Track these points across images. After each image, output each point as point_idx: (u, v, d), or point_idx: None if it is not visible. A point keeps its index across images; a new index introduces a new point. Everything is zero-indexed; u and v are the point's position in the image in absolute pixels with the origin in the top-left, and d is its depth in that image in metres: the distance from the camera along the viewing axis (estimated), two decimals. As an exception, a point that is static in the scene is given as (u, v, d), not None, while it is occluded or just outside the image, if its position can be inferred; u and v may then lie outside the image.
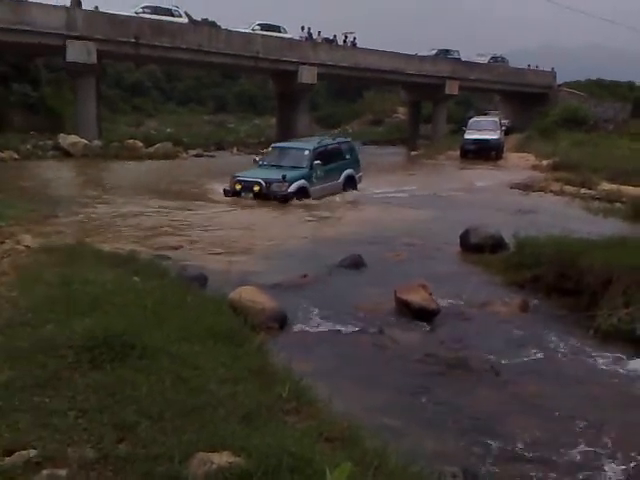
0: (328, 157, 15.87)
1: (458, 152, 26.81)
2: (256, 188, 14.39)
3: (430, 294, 7.21)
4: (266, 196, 14.30)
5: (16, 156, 23.74)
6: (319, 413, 4.06)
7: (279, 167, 15.02)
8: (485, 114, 37.29)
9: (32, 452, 2.96)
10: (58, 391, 3.58)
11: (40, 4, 28.30)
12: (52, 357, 3.92)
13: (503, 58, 49.22)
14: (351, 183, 16.69)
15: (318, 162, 15.13)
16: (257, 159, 16.35)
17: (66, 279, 5.46)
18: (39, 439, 3.08)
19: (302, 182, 14.80)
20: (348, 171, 16.59)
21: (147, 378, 3.83)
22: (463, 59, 45.10)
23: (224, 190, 14.91)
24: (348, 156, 16.83)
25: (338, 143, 17.25)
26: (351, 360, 5.84)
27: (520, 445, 4.54)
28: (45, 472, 2.81)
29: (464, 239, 10.00)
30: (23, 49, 29.97)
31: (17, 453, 2.92)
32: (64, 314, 4.61)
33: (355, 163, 17.08)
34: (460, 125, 30.82)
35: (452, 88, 41.91)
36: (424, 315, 6.92)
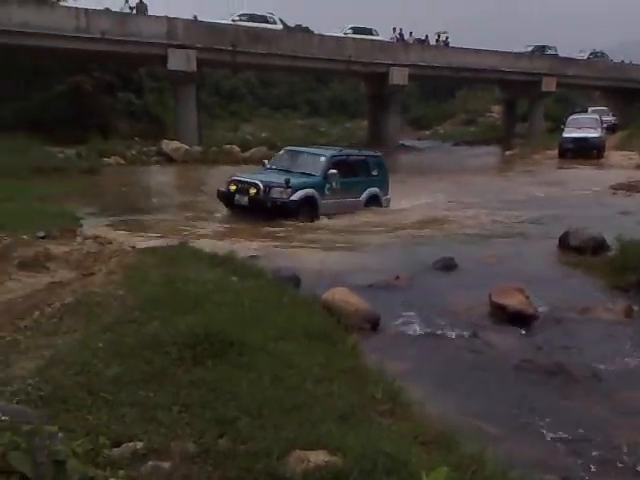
0: (349, 169, 13.63)
1: (556, 151, 25.86)
2: (252, 191, 12.24)
3: (527, 297, 7.02)
4: (262, 203, 12.12)
5: (122, 161, 24.95)
6: (413, 416, 4.06)
7: (288, 172, 12.87)
8: (586, 111, 35.79)
9: (138, 444, 3.09)
10: (162, 386, 3.74)
11: (143, 15, 29.69)
12: (157, 353, 4.10)
13: (603, 53, 47.35)
14: (375, 204, 14.11)
15: (334, 172, 12.87)
16: (266, 162, 14.32)
17: (169, 278, 5.70)
18: (145, 432, 3.21)
19: (310, 192, 12.57)
20: (373, 189, 14.04)
21: (246, 375, 3.95)
22: (561, 55, 43.69)
23: (218, 191, 13.10)
24: (375, 173, 14.31)
25: (365, 156, 14.81)
26: (444, 363, 5.77)
27: (622, 456, 4.34)
28: (150, 463, 2.92)
29: (563, 241, 9.67)
30: (128, 59, 31.47)
31: (125, 445, 3.06)
32: (168, 312, 4.82)
33: (382, 183, 14.43)
34: (558, 123, 29.72)
35: (549, 85, 40.61)
36: (521, 319, 6.73)
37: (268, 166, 13.81)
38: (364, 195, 13.83)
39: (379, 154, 15.43)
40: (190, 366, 4.01)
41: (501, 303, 6.89)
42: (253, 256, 8.71)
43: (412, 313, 6.89)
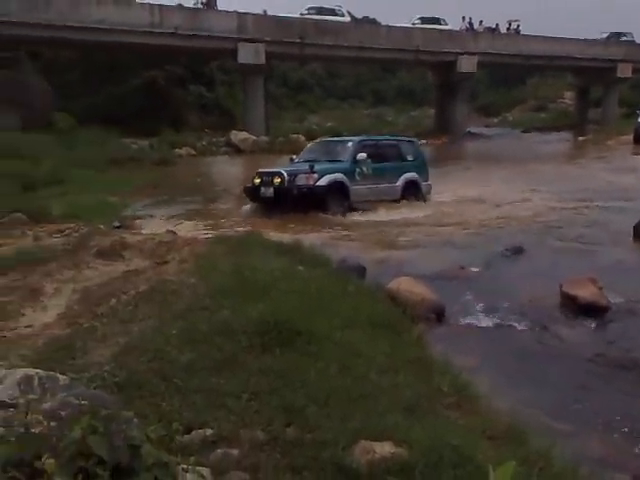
0: (381, 154, 13.18)
1: (631, 137, 24.87)
2: (277, 180, 11.79)
3: (600, 288, 6.80)
4: (288, 192, 11.56)
5: (193, 152, 25.61)
6: (480, 409, 4.02)
7: (315, 162, 12.35)
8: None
9: (208, 431, 3.13)
10: (233, 373, 3.79)
11: (214, 10, 30.20)
12: (228, 341, 4.16)
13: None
14: (413, 190, 13.52)
15: (364, 155, 12.42)
16: (294, 157, 13.85)
17: (238, 267, 5.82)
18: (215, 419, 3.27)
19: (339, 176, 12.02)
20: (409, 174, 13.47)
21: (314, 363, 3.97)
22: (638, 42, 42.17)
23: (244, 188, 12.82)
24: (410, 158, 13.85)
25: (397, 140, 14.57)
26: (512, 356, 5.67)
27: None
28: (219, 451, 2.97)
29: (638, 229, 9.31)
30: (200, 53, 32.13)
31: (195, 431, 3.11)
32: (238, 300, 4.91)
33: (421, 168, 13.93)
34: (634, 109, 28.57)
35: (625, 71, 39.30)
36: (593, 311, 6.53)
37: (296, 160, 13.44)
38: (400, 180, 13.28)
39: (414, 139, 15.34)
40: (259, 354, 4.07)
41: (572, 294, 6.70)
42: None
43: (479, 303, 6.79)
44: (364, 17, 55.09)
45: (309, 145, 14.33)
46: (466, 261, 8.39)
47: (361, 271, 7.54)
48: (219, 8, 31.12)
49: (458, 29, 37.63)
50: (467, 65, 35.01)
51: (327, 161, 12.52)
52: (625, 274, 7.88)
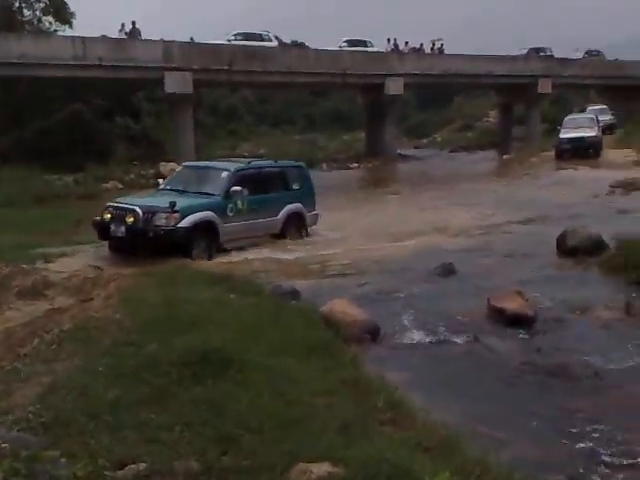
0: (262, 184, 11.47)
1: (553, 153, 25.88)
2: (129, 219, 9.88)
3: (526, 300, 7.03)
4: (143, 234, 9.77)
5: (120, 186, 25.07)
6: (416, 423, 4.08)
7: (182, 193, 10.79)
8: (585, 110, 35.81)
9: (142, 465, 3.09)
10: (163, 406, 3.77)
11: (139, 40, 30.00)
12: (157, 374, 4.13)
13: (599, 52, 47.35)
14: (296, 223, 11.91)
15: (239, 189, 10.69)
16: (160, 182, 12.20)
17: (167, 299, 5.74)
18: (147, 453, 3.23)
19: (207, 215, 10.28)
20: (293, 206, 11.83)
21: (246, 391, 3.98)
22: (557, 56, 43.85)
23: (93, 222, 10.81)
24: (296, 186, 12.22)
25: (281, 167, 12.59)
26: (446, 370, 5.78)
27: (629, 453, 4.34)
28: None
29: (561, 242, 9.66)
30: (125, 84, 31.76)
31: (128, 467, 3.06)
32: (166, 333, 4.85)
33: (307, 196, 12.32)
34: (555, 125, 29.78)
35: (545, 87, 40.67)
36: (520, 322, 6.74)
37: (162, 186, 11.77)
38: (282, 213, 11.65)
39: (301, 164, 13.36)
40: (190, 385, 4.05)
41: (500, 307, 6.90)
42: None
43: (412, 321, 6.89)
44: (292, 41, 55.70)
45: (177, 170, 12.39)
46: (399, 279, 8.55)
47: (295, 295, 7.56)
48: (144, 37, 30.86)
49: (384, 50, 38.33)
50: (394, 87, 35.68)
51: (194, 193, 10.80)
52: (549, 284, 8.19)
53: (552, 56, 43.88)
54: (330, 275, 9.13)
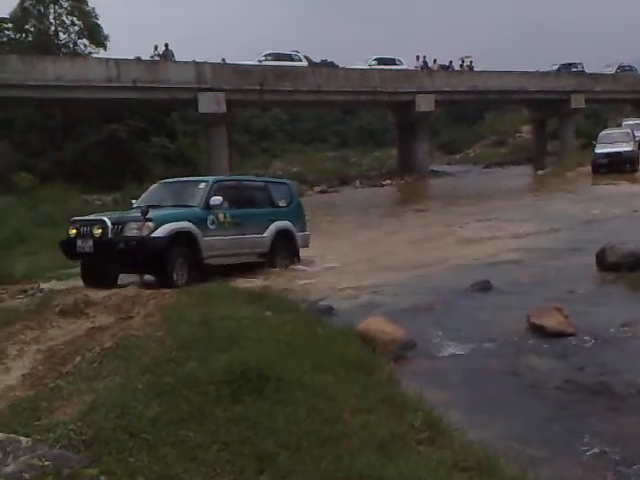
0: (243, 197, 10.80)
1: (589, 168, 25.55)
2: (97, 231, 8.98)
3: (566, 317, 6.92)
4: (112, 247, 8.87)
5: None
6: (453, 442, 4.03)
7: (158, 207, 9.83)
8: (620, 125, 35.32)
9: None
10: (202, 425, 3.79)
11: (173, 61, 30.57)
12: (195, 392, 4.15)
13: (631, 67, 47.06)
14: (286, 243, 11.17)
15: (220, 199, 9.83)
16: (134, 201, 11.25)
17: (205, 317, 5.80)
18: (185, 471, 3.26)
19: (185, 225, 9.36)
20: (282, 223, 11.10)
21: (283, 409, 3.98)
22: (588, 71, 43.61)
23: (59, 242, 9.86)
24: (283, 203, 11.54)
25: (264, 182, 12.05)
26: (485, 387, 5.70)
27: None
28: None
29: (601, 258, 9.49)
30: (159, 104, 32.35)
31: None
32: (205, 350, 4.90)
33: (296, 215, 11.65)
34: (590, 139, 29.42)
35: (578, 102, 40.45)
36: (561, 339, 6.62)
37: (135, 204, 10.78)
38: (269, 231, 10.86)
39: (287, 181, 12.68)
40: (228, 404, 4.06)
41: (539, 324, 6.80)
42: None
43: (450, 338, 6.83)
44: (322, 61, 56.29)
45: (153, 186, 11.37)
46: (437, 295, 8.51)
47: (331, 312, 7.57)
48: (177, 59, 31.44)
49: (413, 68, 38.50)
50: (425, 104, 35.79)
51: (171, 206, 10.02)
52: (590, 301, 8.04)
53: (583, 71, 43.70)
54: (367, 289, 9.12)
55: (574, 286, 8.78)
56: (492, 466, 3.64)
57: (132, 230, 8.88)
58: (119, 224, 9.00)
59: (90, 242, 8.99)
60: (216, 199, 9.79)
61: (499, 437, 4.50)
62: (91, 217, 9.67)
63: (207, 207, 9.80)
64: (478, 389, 5.67)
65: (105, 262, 9.08)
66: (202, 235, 9.49)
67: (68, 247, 9.45)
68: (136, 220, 8.93)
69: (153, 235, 8.82)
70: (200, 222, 9.58)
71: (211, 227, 9.77)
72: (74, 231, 9.31)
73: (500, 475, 3.56)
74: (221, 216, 9.95)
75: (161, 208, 9.74)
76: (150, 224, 8.83)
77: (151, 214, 8.91)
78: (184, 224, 9.32)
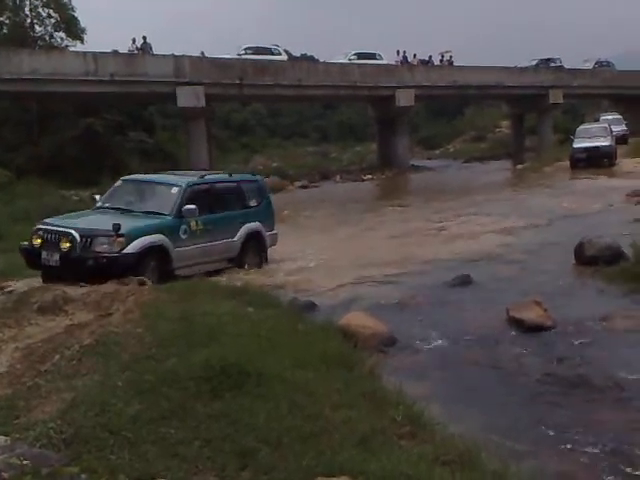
0: (216, 201, 10.08)
1: (567, 163, 25.77)
2: (65, 245, 8.31)
3: (545, 310, 6.99)
4: (81, 263, 8.19)
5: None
6: (435, 436, 4.06)
7: (126, 212, 9.24)
8: (598, 120, 35.68)
9: None
10: (183, 422, 3.78)
11: (151, 54, 30.27)
12: (175, 389, 4.13)
13: (609, 62, 47.61)
14: (254, 246, 10.55)
15: (193, 207, 9.19)
16: (97, 197, 10.51)
17: (185, 313, 5.76)
18: (167, 469, 3.26)
19: (158, 238, 8.78)
20: (252, 225, 10.49)
21: (264, 405, 3.98)
22: (566, 67, 43.96)
23: (19, 248, 9.10)
24: (254, 202, 10.87)
25: (237, 181, 11.07)
26: (465, 381, 5.75)
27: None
28: None
29: (578, 252, 9.60)
30: (138, 98, 32.00)
31: None
32: (185, 347, 4.87)
33: (266, 214, 11.01)
34: (568, 134, 29.66)
35: (556, 97, 40.74)
36: (540, 332, 6.71)
37: (99, 204, 9.92)
38: (240, 234, 10.25)
39: (258, 178, 11.86)
40: (208, 400, 4.05)
41: (519, 317, 6.88)
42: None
43: (430, 332, 6.88)
44: (302, 55, 56.12)
45: (117, 184, 10.37)
46: (417, 290, 8.55)
47: (312, 308, 7.58)
48: (156, 52, 31.11)
49: (393, 63, 38.50)
50: (405, 98, 35.82)
51: (142, 213, 9.27)
52: (568, 294, 8.17)
53: (562, 67, 43.99)
54: (347, 285, 9.15)
55: (553, 280, 8.88)
56: (473, 459, 3.68)
57: (102, 246, 8.32)
58: (87, 237, 8.36)
59: (56, 256, 8.33)
60: (189, 208, 9.19)
61: (480, 430, 4.54)
62: (58, 227, 8.70)
63: (179, 215, 9.19)
64: (459, 382, 5.73)
65: (71, 276, 7.99)
66: (174, 247, 8.96)
67: (31, 257, 8.76)
68: (107, 235, 8.33)
69: (125, 252, 8.31)
70: (172, 232, 9.03)
71: (183, 237, 9.20)
72: (39, 241, 8.62)
73: (481, 468, 3.60)
74: (193, 224, 9.36)
75: (130, 215, 9.13)
76: (122, 240, 8.30)
77: (123, 229, 8.30)
78: (156, 237, 8.77)
